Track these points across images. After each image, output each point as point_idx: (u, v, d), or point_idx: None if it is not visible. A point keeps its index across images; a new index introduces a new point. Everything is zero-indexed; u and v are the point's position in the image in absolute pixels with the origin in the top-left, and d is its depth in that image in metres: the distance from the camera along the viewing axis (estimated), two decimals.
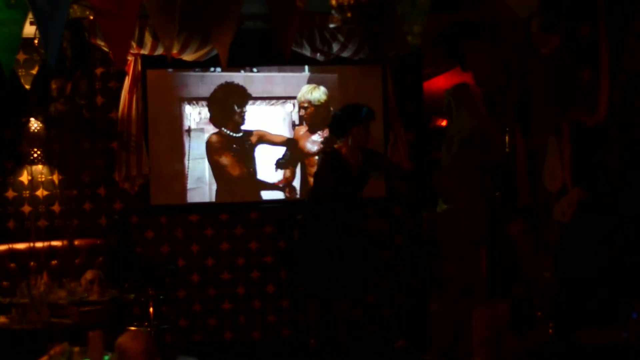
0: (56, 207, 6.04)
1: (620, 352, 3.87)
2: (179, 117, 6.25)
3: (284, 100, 6.40)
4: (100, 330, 3.65)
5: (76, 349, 3.69)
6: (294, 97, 6.40)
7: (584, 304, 4.27)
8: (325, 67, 6.32)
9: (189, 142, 6.26)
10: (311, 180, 6.03)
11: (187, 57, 5.90)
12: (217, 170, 6.29)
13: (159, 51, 5.79)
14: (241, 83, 6.33)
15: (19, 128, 5.85)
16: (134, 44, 5.70)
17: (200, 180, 6.29)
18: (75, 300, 5.03)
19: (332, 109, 6.28)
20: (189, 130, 6.26)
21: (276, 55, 4.20)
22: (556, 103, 4.51)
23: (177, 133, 6.25)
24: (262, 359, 6.05)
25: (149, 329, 5.74)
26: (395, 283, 6.35)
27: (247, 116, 6.33)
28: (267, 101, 6.38)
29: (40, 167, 5.98)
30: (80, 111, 5.79)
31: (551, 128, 4.61)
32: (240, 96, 6.31)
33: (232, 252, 6.25)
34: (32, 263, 5.75)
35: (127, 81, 5.96)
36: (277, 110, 6.40)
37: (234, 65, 4.05)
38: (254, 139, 6.35)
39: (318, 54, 6.10)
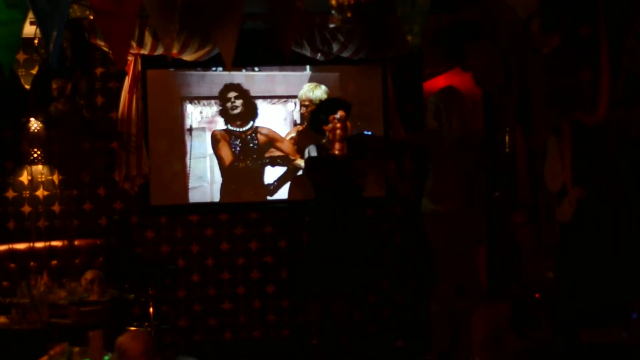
0: (56, 207, 6.04)
1: (621, 352, 3.88)
2: (180, 117, 6.26)
3: (285, 99, 6.40)
4: (100, 330, 3.65)
5: (76, 349, 3.69)
6: (295, 96, 6.40)
7: (584, 303, 4.27)
8: (327, 66, 6.32)
9: (191, 141, 6.26)
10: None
11: (187, 57, 5.90)
12: (220, 163, 6.30)
13: (159, 51, 5.79)
14: (242, 82, 6.34)
15: (19, 128, 5.85)
16: (134, 44, 5.70)
17: (202, 179, 6.30)
18: (75, 300, 5.03)
19: None
20: (190, 130, 6.26)
21: (277, 55, 4.20)
22: (556, 103, 4.51)
23: (177, 133, 6.25)
24: (262, 359, 6.05)
25: (149, 329, 5.74)
26: (395, 283, 6.35)
27: (248, 111, 6.34)
28: (268, 100, 6.38)
29: (40, 167, 5.98)
30: (80, 111, 5.79)
31: (551, 128, 4.61)
32: (235, 90, 6.32)
33: (232, 252, 6.25)
34: (32, 263, 5.76)
35: (127, 81, 5.96)
36: (279, 109, 6.40)
37: (235, 65, 4.05)
38: (262, 138, 6.35)
39: (318, 54, 6.10)
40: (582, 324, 4.12)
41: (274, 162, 6.35)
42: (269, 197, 6.35)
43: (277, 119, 6.39)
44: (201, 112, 6.30)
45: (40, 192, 6.02)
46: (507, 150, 6.47)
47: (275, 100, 6.40)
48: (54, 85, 5.57)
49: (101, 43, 5.64)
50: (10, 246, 5.77)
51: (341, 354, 5.64)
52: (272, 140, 6.36)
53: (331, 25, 5.87)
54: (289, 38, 4.09)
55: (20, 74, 5.88)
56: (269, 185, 6.34)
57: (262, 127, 6.35)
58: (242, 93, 6.34)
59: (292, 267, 6.18)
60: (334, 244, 5.48)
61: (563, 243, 4.66)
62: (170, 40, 3.93)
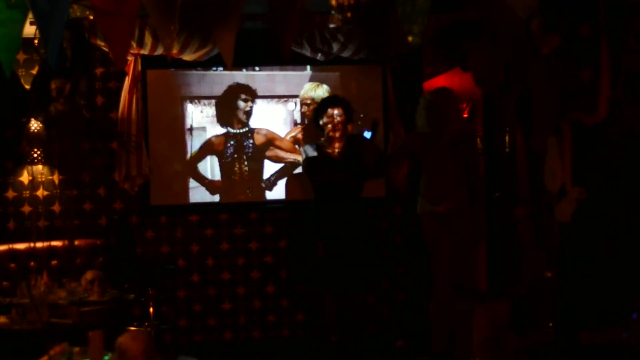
0: (56, 207, 6.04)
1: (621, 352, 3.87)
2: (180, 116, 6.26)
3: (285, 99, 6.41)
4: (100, 330, 3.66)
5: (76, 349, 3.70)
6: (295, 96, 6.40)
7: (584, 303, 4.27)
8: (327, 66, 6.33)
9: (191, 140, 6.26)
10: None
11: (187, 57, 5.90)
12: (219, 163, 6.31)
13: (159, 51, 5.79)
14: (243, 82, 6.34)
15: (19, 128, 5.85)
16: (134, 44, 5.70)
17: (205, 178, 6.31)
18: (75, 300, 5.04)
19: None
20: (191, 129, 6.27)
21: (277, 55, 4.20)
22: (556, 103, 4.51)
23: (177, 133, 6.26)
24: (262, 359, 6.05)
25: (149, 329, 5.73)
26: (395, 283, 6.35)
27: (252, 114, 6.34)
28: (268, 99, 6.38)
29: (40, 167, 5.97)
30: (80, 111, 5.79)
31: (551, 128, 4.61)
32: (245, 91, 6.32)
33: (232, 252, 6.25)
34: (32, 263, 5.76)
35: (127, 81, 5.96)
36: (279, 108, 6.40)
37: (235, 64, 4.05)
38: (260, 138, 6.35)
39: (318, 54, 6.10)
40: (582, 324, 4.12)
41: (273, 159, 6.36)
42: (267, 192, 6.35)
43: (277, 118, 6.39)
44: (201, 112, 6.30)
45: (40, 192, 6.02)
46: (507, 150, 6.47)
47: (275, 99, 6.40)
48: (54, 86, 5.57)
49: (101, 43, 5.64)
50: (10, 246, 5.77)
51: (350, 350, 5.67)
52: (271, 140, 6.36)
53: (331, 25, 5.88)
54: (289, 38, 4.10)
55: (20, 74, 5.88)
56: (266, 179, 6.34)
57: (260, 128, 6.35)
58: (252, 95, 6.34)
59: (297, 266, 6.17)
60: (334, 243, 5.51)
61: (563, 243, 4.66)
62: (170, 40, 3.94)
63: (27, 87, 5.75)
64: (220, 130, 6.31)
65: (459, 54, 5.92)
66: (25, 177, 6.00)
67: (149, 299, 5.86)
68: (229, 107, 6.32)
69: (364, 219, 5.76)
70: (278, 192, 6.39)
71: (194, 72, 6.26)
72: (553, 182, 4.62)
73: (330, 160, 5.64)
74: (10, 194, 6.00)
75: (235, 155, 6.32)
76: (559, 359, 4.10)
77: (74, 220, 6.03)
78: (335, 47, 6.05)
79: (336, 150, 5.68)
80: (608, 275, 4.35)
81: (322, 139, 5.74)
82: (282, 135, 6.40)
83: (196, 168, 6.28)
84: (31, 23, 3.75)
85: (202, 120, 6.30)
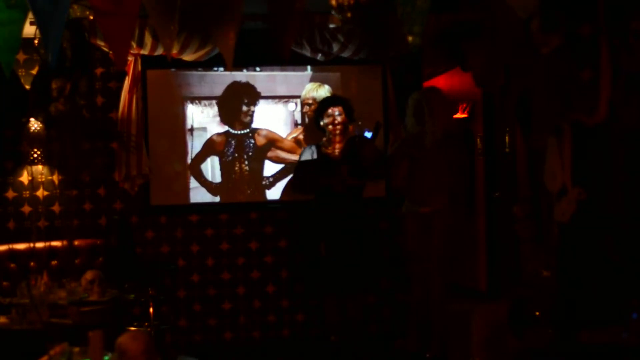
0: (56, 208, 6.04)
1: (621, 352, 3.87)
2: (180, 117, 6.26)
3: (286, 100, 6.41)
4: (100, 330, 3.65)
5: (76, 349, 3.69)
6: (296, 96, 6.40)
7: (584, 304, 4.27)
8: (328, 66, 6.33)
9: (192, 141, 6.27)
10: None
11: (187, 57, 5.90)
12: (220, 163, 6.31)
13: (159, 51, 5.79)
14: (244, 82, 6.34)
15: (19, 128, 5.85)
16: (134, 44, 5.70)
17: (205, 178, 6.31)
18: (75, 300, 5.04)
19: None
20: (191, 130, 6.27)
21: (277, 56, 4.20)
22: (556, 103, 4.50)
23: (177, 133, 6.26)
24: (262, 359, 6.05)
25: (149, 329, 5.74)
26: (395, 283, 6.35)
27: (255, 115, 6.34)
28: (269, 100, 6.38)
29: (40, 167, 5.98)
30: (80, 111, 5.79)
31: (551, 128, 4.61)
32: (248, 94, 6.32)
33: (232, 252, 6.25)
34: (32, 263, 5.76)
35: (127, 81, 5.96)
36: (280, 109, 6.40)
37: (235, 64, 4.06)
38: (261, 139, 6.35)
39: (318, 54, 6.10)
40: (582, 324, 4.12)
41: (274, 159, 6.36)
42: (267, 191, 6.35)
43: (277, 119, 6.39)
44: (202, 112, 6.30)
45: (40, 192, 6.02)
46: (507, 150, 6.47)
47: (276, 100, 6.40)
48: (54, 85, 5.57)
49: (101, 43, 5.64)
50: (10, 246, 5.77)
51: (351, 350, 5.68)
52: (272, 141, 6.36)
53: (331, 26, 5.88)
54: (289, 38, 4.09)
55: (20, 74, 5.88)
56: (266, 178, 6.34)
57: (261, 129, 6.35)
58: (255, 97, 6.34)
59: (299, 266, 6.17)
60: (334, 243, 5.52)
61: (563, 243, 4.66)
62: (170, 40, 3.93)
63: (27, 87, 5.76)
64: (221, 129, 6.31)
65: (459, 54, 5.92)
66: (25, 177, 6.00)
67: (149, 299, 5.86)
68: (232, 108, 6.32)
69: (364, 219, 5.76)
70: (278, 192, 6.39)
71: (195, 72, 6.26)
72: (553, 182, 4.62)
73: (331, 161, 5.64)
74: (10, 194, 6.00)
75: (236, 155, 6.32)
76: (558, 359, 4.09)
77: (74, 220, 6.03)
78: (335, 47, 6.05)
79: (336, 151, 5.68)
80: (608, 275, 4.34)
81: (324, 139, 5.74)
82: (283, 136, 6.40)
83: (200, 170, 6.28)
84: (31, 23, 3.75)
85: (202, 120, 6.30)
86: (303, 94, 6.39)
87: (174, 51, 5.72)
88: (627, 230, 4.36)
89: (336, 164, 5.62)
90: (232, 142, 6.31)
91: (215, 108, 6.32)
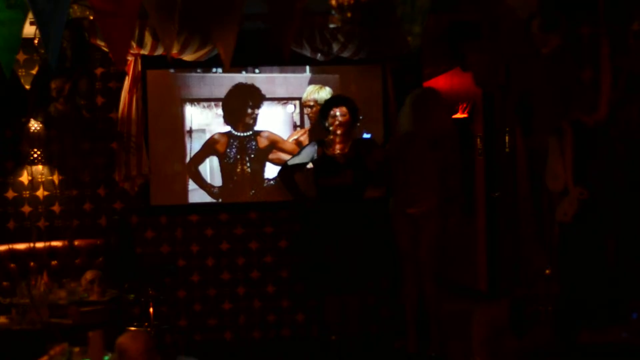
0: (56, 208, 6.04)
1: (621, 352, 3.87)
2: (179, 118, 6.26)
3: (285, 101, 6.40)
4: (100, 330, 3.66)
5: (76, 349, 3.70)
6: (295, 98, 6.39)
7: (584, 303, 4.27)
8: (327, 67, 6.32)
9: (190, 142, 6.27)
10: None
11: (187, 57, 5.90)
12: (220, 165, 6.30)
13: (159, 51, 5.79)
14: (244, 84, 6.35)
15: (19, 128, 5.84)
16: (134, 44, 5.69)
17: (204, 180, 6.30)
18: (75, 300, 5.04)
19: None
20: (190, 131, 6.27)
21: (276, 56, 4.20)
22: (556, 103, 4.51)
23: (177, 133, 6.25)
24: (262, 359, 6.05)
25: (149, 329, 5.74)
26: (395, 283, 6.34)
27: (258, 118, 6.35)
28: (268, 102, 6.38)
29: (40, 167, 5.97)
30: (80, 111, 5.78)
31: (552, 128, 4.61)
32: (253, 97, 6.32)
33: (232, 252, 6.25)
34: (32, 263, 5.75)
35: (127, 81, 5.95)
36: (279, 111, 6.40)
37: (234, 65, 4.06)
38: (263, 141, 6.34)
39: (318, 54, 6.10)
40: (582, 324, 4.12)
41: (275, 161, 6.36)
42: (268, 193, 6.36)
43: (277, 121, 6.38)
44: (201, 114, 6.30)
45: (40, 192, 6.02)
46: (507, 150, 6.47)
47: (275, 102, 6.39)
48: (54, 85, 5.57)
49: (101, 43, 5.63)
50: (10, 246, 5.77)
51: (350, 348, 5.69)
52: (273, 143, 6.35)
53: (331, 26, 5.88)
54: (289, 38, 4.09)
55: (20, 74, 5.88)
56: (267, 180, 6.34)
57: (263, 131, 6.34)
58: (260, 100, 6.34)
59: (299, 266, 6.17)
60: (335, 243, 5.54)
61: (563, 243, 4.66)
62: (170, 40, 3.94)
63: (27, 87, 5.75)
64: (221, 130, 6.31)
65: (459, 54, 5.92)
66: (25, 177, 6.00)
67: (149, 299, 5.86)
68: (236, 110, 6.30)
69: (365, 219, 5.76)
70: (278, 192, 6.38)
71: (194, 74, 6.26)
72: (554, 182, 4.63)
73: (333, 161, 5.63)
74: (10, 194, 6.00)
75: (238, 157, 6.32)
76: (559, 359, 4.09)
77: (74, 220, 6.03)
78: (335, 47, 6.04)
79: (337, 152, 5.66)
80: (608, 275, 4.35)
81: (329, 137, 5.75)
82: (284, 138, 6.39)
83: (197, 171, 6.27)
84: (31, 23, 3.75)
85: (201, 122, 6.29)
86: (304, 96, 6.38)
87: (174, 51, 5.72)
88: (627, 230, 4.36)
89: (341, 167, 5.61)
90: (235, 143, 6.31)
91: (214, 110, 6.32)
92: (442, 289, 5.80)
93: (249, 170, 6.32)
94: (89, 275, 5.35)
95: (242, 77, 6.33)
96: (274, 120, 6.38)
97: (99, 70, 6.07)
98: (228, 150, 6.29)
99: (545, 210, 4.99)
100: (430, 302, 5.66)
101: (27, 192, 6.00)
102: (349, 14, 4.53)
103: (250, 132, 6.32)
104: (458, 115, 7.60)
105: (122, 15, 3.49)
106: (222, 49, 3.92)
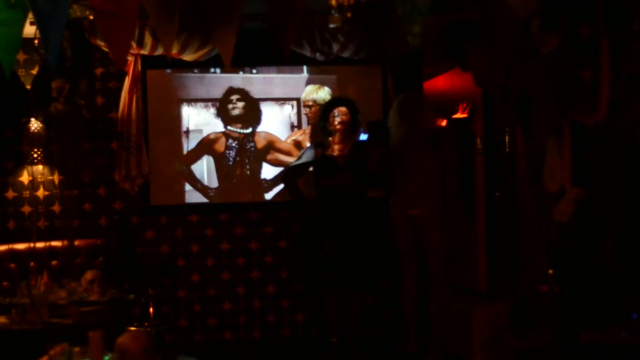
0: (56, 208, 6.04)
1: (621, 352, 3.87)
2: (179, 118, 6.26)
3: (282, 102, 6.40)
4: (100, 330, 3.65)
5: (76, 349, 3.69)
6: (293, 99, 6.40)
7: (584, 304, 4.27)
8: (324, 68, 6.32)
9: (187, 143, 6.27)
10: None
11: (187, 57, 5.90)
12: (216, 165, 6.29)
13: (159, 51, 5.79)
14: (240, 84, 6.35)
15: (19, 128, 5.85)
16: (134, 44, 5.69)
17: (199, 182, 6.30)
18: (75, 300, 5.04)
19: None
20: (187, 132, 6.27)
21: (276, 56, 4.20)
22: (556, 103, 4.51)
23: (177, 133, 6.25)
24: (262, 359, 6.05)
25: (149, 329, 5.74)
26: (395, 283, 6.34)
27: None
28: (266, 102, 6.37)
29: (40, 167, 5.98)
30: (80, 111, 5.79)
31: (551, 128, 4.61)
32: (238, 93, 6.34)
33: (232, 252, 6.25)
34: (32, 263, 5.76)
35: (127, 81, 5.95)
36: (276, 111, 6.40)
37: (234, 65, 4.06)
38: (261, 141, 6.34)
39: (318, 54, 6.10)
40: (582, 324, 4.12)
41: (272, 162, 6.36)
42: (265, 194, 6.35)
43: (274, 121, 6.38)
44: (198, 114, 6.30)
45: (40, 192, 6.02)
46: (507, 150, 6.47)
47: (272, 102, 6.39)
48: (54, 85, 5.57)
49: (101, 43, 5.63)
50: (10, 246, 5.77)
51: (351, 349, 5.69)
52: (270, 143, 6.35)
53: (331, 25, 5.87)
54: (289, 38, 4.09)
55: (20, 74, 5.88)
56: (265, 180, 6.34)
57: (260, 132, 6.34)
58: (245, 96, 6.33)
59: (300, 266, 6.17)
60: (334, 243, 5.54)
61: (562, 243, 4.66)
62: (170, 40, 3.94)
63: (27, 87, 5.75)
64: (219, 129, 6.31)
65: (459, 54, 5.92)
66: (25, 177, 6.00)
67: (149, 299, 5.87)
68: (225, 107, 6.31)
69: (365, 219, 5.76)
70: (274, 190, 6.39)
71: (191, 74, 6.26)
72: (552, 182, 4.63)
73: (333, 162, 5.64)
74: (10, 194, 6.00)
75: (238, 159, 6.31)
76: (559, 359, 4.09)
77: (74, 220, 6.03)
78: (335, 47, 6.04)
79: (338, 153, 5.66)
80: (608, 275, 4.34)
81: (330, 138, 5.75)
82: (283, 138, 6.39)
83: (191, 171, 6.27)
84: (31, 23, 3.75)
85: (199, 122, 6.29)
86: (303, 96, 6.38)
87: (174, 51, 5.72)
88: (627, 230, 4.36)
89: (341, 168, 5.61)
90: (234, 144, 6.31)
91: (212, 110, 6.32)
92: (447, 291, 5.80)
93: (248, 172, 6.32)
94: (89, 275, 5.35)
95: (240, 77, 6.34)
96: (272, 121, 6.38)
97: (99, 70, 6.07)
98: (227, 152, 6.29)
99: (545, 210, 4.99)
100: (439, 306, 5.66)
101: (27, 192, 6.00)
102: (349, 14, 4.52)
103: (249, 131, 6.32)
104: (458, 115, 7.59)
105: (122, 15, 3.49)
106: (222, 49, 3.92)
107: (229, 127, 6.30)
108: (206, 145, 6.29)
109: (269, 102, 6.38)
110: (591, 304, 4.24)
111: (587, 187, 4.42)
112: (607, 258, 4.42)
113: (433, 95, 7.30)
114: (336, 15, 4.25)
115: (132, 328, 5.34)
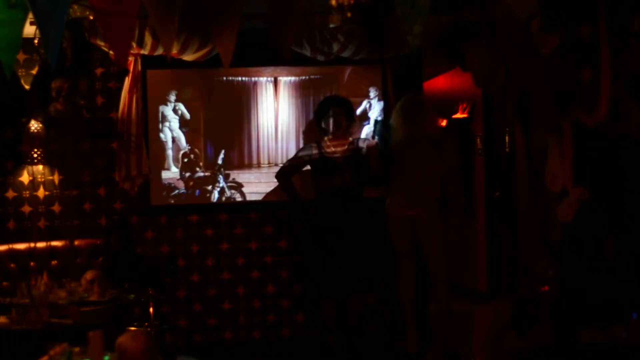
0: (56, 207, 6.04)
1: (621, 352, 3.88)
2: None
3: None
4: (100, 330, 3.65)
5: (76, 349, 3.69)
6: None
7: (584, 303, 4.27)
8: (327, 66, 6.31)
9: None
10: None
11: (187, 57, 5.90)
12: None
13: (159, 51, 5.78)
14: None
15: (19, 128, 5.85)
16: (134, 44, 5.69)
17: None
18: (75, 300, 5.04)
19: None
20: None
21: (276, 56, 4.20)
22: (556, 103, 4.51)
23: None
24: (262, 359, 6.05)
25: (149, 329, 5.74)
26: (395, 283, 6.34)
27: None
28: None
29: (40, 167, 5.97)
30: (80, 111, 5.79)
31: (551, 128, 4.61)
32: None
33: (232, 252, 6.25)
34: (32, 263, 5.76)
35: (127, 81, 5.95)
36: None
37: (234, 65, 4.07)
38: None
39: (318, 54, 6.09)
40: (583, 323, 4.12)
41: None
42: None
43: None
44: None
45: (40, 192, 6.02)
46: (507, 150, 6.47)
47: None
48: (54, 86, 5.57)
49: (101, 43, 5.63)
50: (10, 246, 5.77)
51: (349, 350, 5.69)
52: None
53: (331, 25, 5.88)
54: (289, 38, 4.10)
55: (20, 74, 5.88)
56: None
57: None
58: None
59: (299, 266, 6.17)
60: (332, 240, 5.54)
61: (564, 243, 4.66)
62: (170, 40, 3.94)
63: (27, 87, 5.75)
64: None
65: (459, 54, 5.92)
66: (25, 177, 6.00)
67: (149, 299, 5.86)
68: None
69: (364, 219, 5.76)
70: (277, 193, 6.38)
71: (191, 75, 6.25)
72: (554, 182, 4.63)
73: (328, 161, 5.65)
74: (10, 194, 6.00)
75: None
76: (559, 359, 4.10)
77: (74, 220, 6.03)
78: (336, 47, 6.04)
79: (336, 152, 5.67)
80: (608, 275, 4.35)
81: (325, 138, 5.75)
82: None
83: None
84: (31, 23, 3.75)
85: None
86: None
87: (174, 51, 5.71)
88: (628, 230, 4.36)
89: (339, 167, 5.62)
90: None
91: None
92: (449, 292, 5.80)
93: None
94: (89, 275, 5.35)
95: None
96: None
97: (99, 70, 6.07)
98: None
99: (545, 210, 4.99)
100: (441, 306, 5.66)
101: (27, 192, 6.00)
102: (349, 14, 4.53)
103: None
104: (458, 115, 7.60)
105: (122, 15, 3.49)
106: (222, 49, 3.92)
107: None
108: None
109: None
110: (591, 303, 4.25)
111: (588, 186, 4.43)
112: (608, 258, 4.42)
113: (433, 95, 7.31)
114: (336, 15, 4.26)
115: (132, 328, 5.34)
